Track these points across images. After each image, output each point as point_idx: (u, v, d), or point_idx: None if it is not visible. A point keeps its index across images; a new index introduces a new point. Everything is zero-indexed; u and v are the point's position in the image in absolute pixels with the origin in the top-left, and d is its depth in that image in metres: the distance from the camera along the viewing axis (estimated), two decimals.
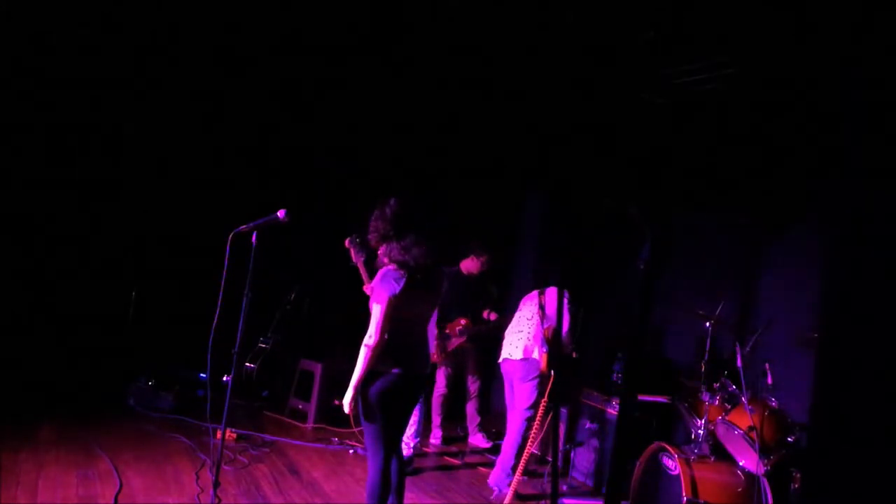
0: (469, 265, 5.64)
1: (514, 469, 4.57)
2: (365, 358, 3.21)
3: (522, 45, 4.55)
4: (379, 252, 3.39)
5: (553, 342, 4.64)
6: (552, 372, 4.48)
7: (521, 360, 4.74)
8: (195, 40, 5.17)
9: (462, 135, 6.39)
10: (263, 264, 3.59)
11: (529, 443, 4.51)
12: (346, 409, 3.28)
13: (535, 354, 4.72)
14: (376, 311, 3.22)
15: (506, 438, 4.75)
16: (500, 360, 4.94)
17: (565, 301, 4.68)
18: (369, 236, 3.41)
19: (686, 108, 4.69)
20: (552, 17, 4.02)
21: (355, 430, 5.39)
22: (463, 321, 5.70)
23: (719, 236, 5.38)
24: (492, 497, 4.60)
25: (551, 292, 4.87)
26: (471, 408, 6.01)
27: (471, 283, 5.67)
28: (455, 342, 5.68)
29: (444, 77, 5.33)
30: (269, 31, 5.01)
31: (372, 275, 4.18)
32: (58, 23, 4.93)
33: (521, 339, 4.80)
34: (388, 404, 3.27)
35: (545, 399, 4.52)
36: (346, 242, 4.33)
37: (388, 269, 3.29)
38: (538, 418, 4.55)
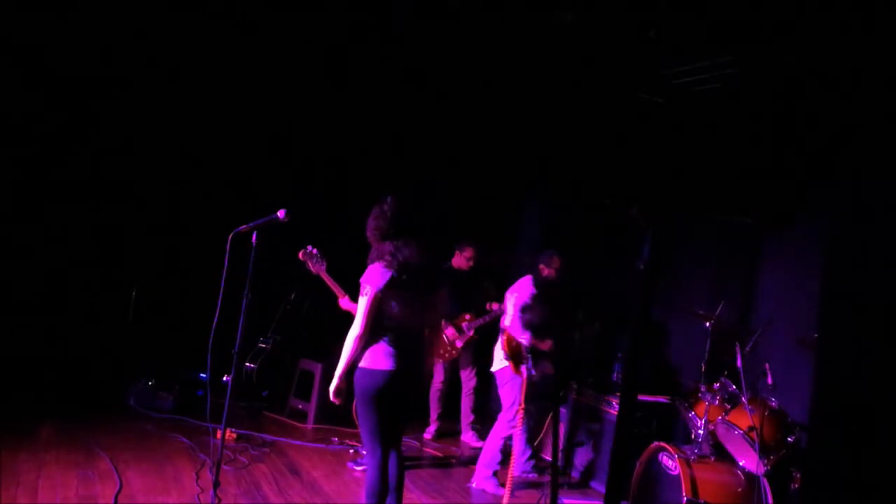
0: (457, 261, 5.78)
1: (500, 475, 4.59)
2: (350, 349, 3.30)
3: (522, 45, 4.55)
4: (372, 251, 3.41)
5: (508, 343, 4.76)
6: (525, 375, 4.47)
7: (499, 369, 4.84)
8: (197, 43, 5.18)
9: (461, 135, 6.38)
10: (263, 264, 3.59)
11: (521, 450, 4.60)
12: (332, 397, 3.37)
13: (506, 361, 4.82)
14: (362, 303, 3.29)
15: (486, 442, 4.83)
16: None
17: (513, 296, 4.82)
18: (368, 234, 3.43)
19: (686, 108, 4.69)
20: (552, 16, 4.02)
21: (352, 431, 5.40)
22: (467, 316, 5.78)
23: (719, 236, 5.38)
24: (471, 499, 4.60)
25: (515, 288, 4.94)
26: (465, 404, 6.00)
27: (463, 279, 5.73)
28: (468, 335, 5.79)
29: (444, 77, 5.33)
30: (270, 31, 5.02)
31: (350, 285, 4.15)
32: (63, 22, 4.93)
33: (498, 349, 4.90)
34: (381, 402, 3.29)
35: (521, 404, 4.54)
36: (301, 255, 4.11)
37: (377, 265, 3.32)
38: (518, 423, 4.61)
